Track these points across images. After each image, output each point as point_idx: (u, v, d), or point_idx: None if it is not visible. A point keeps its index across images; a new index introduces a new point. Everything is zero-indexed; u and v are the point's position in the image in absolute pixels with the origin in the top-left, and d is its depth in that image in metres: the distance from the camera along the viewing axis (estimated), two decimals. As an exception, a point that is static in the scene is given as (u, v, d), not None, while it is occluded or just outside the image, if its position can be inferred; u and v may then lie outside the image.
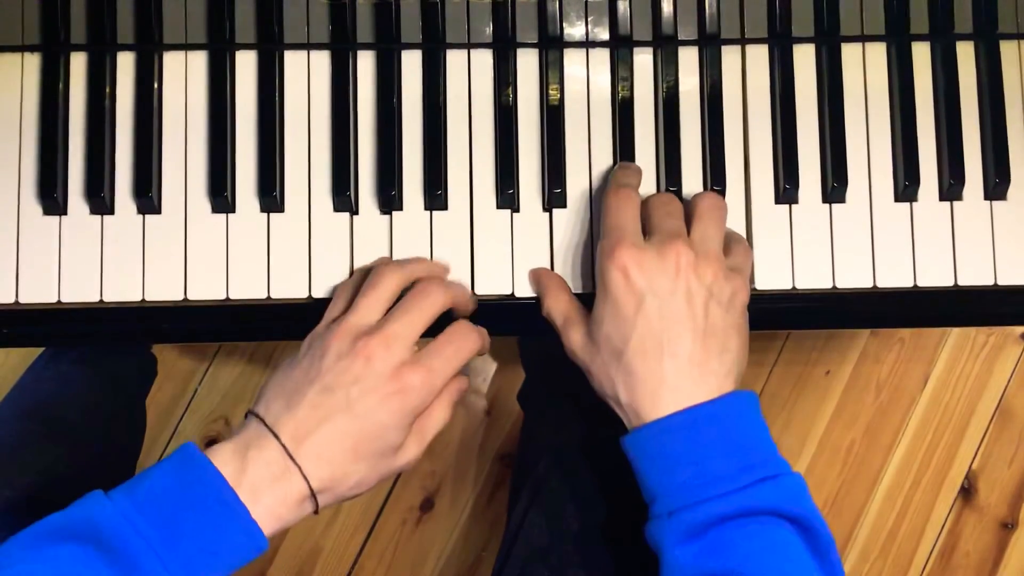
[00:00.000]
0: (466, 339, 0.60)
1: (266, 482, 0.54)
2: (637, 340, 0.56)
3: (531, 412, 0.85)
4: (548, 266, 0.65)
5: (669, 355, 0.56)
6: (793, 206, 0.66)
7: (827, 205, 0.66)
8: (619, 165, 0.65)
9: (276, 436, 0.55)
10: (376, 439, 0.56)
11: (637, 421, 0.57)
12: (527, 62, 0.67)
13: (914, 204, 0.66)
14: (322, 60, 0.66)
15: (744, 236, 0.66)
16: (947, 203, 0.66)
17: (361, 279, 0.61)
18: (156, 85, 0.66)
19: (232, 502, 0.53)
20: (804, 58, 0.67)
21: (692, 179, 0.66)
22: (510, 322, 0.66)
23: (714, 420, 0.55)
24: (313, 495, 0.55)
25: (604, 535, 0.70)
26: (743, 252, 0.62)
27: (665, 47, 0.67)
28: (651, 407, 0.56)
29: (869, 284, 0.66)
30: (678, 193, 0.65)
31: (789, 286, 0.65)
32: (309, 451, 0.55)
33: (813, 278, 0.65)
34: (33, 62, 0.66)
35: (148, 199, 0.65)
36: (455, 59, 0.67)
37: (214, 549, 0.52)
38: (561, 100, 0.66)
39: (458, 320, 0.61)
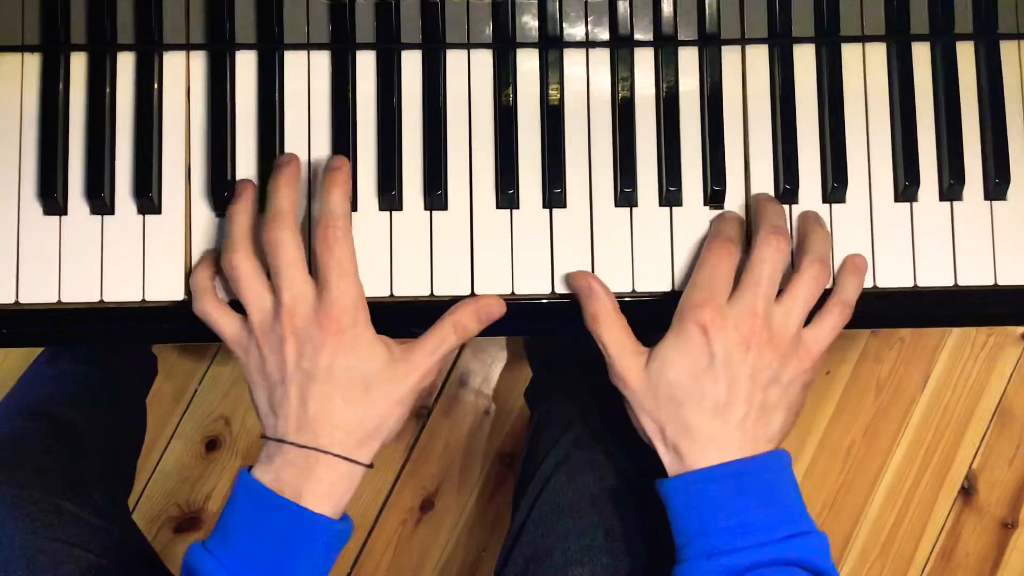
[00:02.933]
0: (333, 232, 0.59)
1: (302, 477, 0.58)
2: (698, 396, 0.59)
3: (538, 411, 0.85)
4: (548, 267, 0.65)
5: (722, 418, 0.59)
6: (793, 206, 0.66)
7: (827, 205, 0.66)
8: (720, 215, 0.65)
9: (283, 440, 0.58)
10: (358, 377, 0.59)
11: (679, 466, 0.60)
12: (527, 62, 0.67)
13: (914, 204, 0.66)
14: (322, 60, 0.66)
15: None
16: (947, 203, 0.66)
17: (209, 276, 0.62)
18: (156, 85, 0.66)
19: (283, 505, 0.57)
20: (804, 58, 0.67)
21: (692, 179, 0.66)
22: (510, 322, 0.66)
23: (756, 475, 0.59)
24: (348, 458, 0.59)
25: (609, 535, 0.70)
26: (832, 322, 0.61)
27: (665, 47, 0.67)
28: (696, 457, 0.59)
29: (869, 284, 0.66)
30: (677, 193, 0.65)
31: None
32: (316, 431, 0.58)
33: (813, 278, 0.65)
34: (33, 62, 0.66)
35: (148, 199, 0.65)
36: (455, 59, 0.67)
37: (296, 554, 0.57)
38: (561, 100, 0.66)
39: (316, 224, 0.60)
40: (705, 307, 0.59)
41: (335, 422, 0.59)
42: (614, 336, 0.62)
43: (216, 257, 0.63)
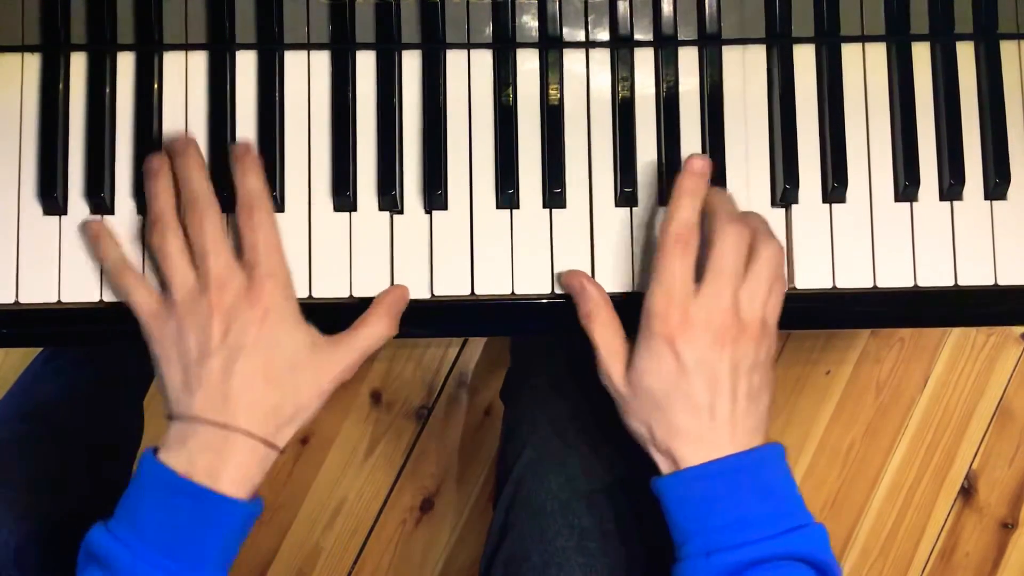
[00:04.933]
0: (258, 213, 0.60)
1: (218, 460, 0.57)
2: (681, 400, 0.59)
3: (509, 411, 0.85)
4: (549, 267, 0.65)
5: (710, 416, 0.59)
6: (793, 206, 0.66)
7: (827, 205, 0.66)
8: (673, 197, 0.61)
9: (198, 418, 0.57)
10: (280, 358, 0.59)
11: (672, 466, 0.59)
12: (527, 62, 0.67)
13: (914, 204, 0.66)
14: (322, 60, 0.66)
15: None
16: (947, 203, 0.66)
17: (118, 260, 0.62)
18: (156, 85, 0.66)
19: (197, 492, 0.56)
20: (804, 58, 0.67)
21: (692, 179, 0.66)
22: (510, 322, 0.66)
23: (750, 470, 0.58)
24: (267, 441, 0.58)
25: (583, 535, 0.70)
26: (777, 296, 0.61)
27: (665, 47, 0.67)
28: (688, 455, 0.59)
29: (869, 284, 0.66)
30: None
31: (789, 286, 0.65)
32: (234, 409, 0.57)
33: (813, 278, 0.65)
34: (33, 62, 0.66)
35: (148, 199, 0.65)
36: (455, 59, 0.67)
37: (210, 539, 0.56)
38: (561, 100, 0.66)
39: (239, 207, 0.61)
40: (668, 315, 0.58)
41: (255, 401, 0.58)
42: (605, 336, 0.62)
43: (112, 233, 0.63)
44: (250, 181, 0.61)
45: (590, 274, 0.65)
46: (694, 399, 0.58)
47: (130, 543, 0.56)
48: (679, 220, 0.60)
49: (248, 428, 0.58)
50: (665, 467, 0.60)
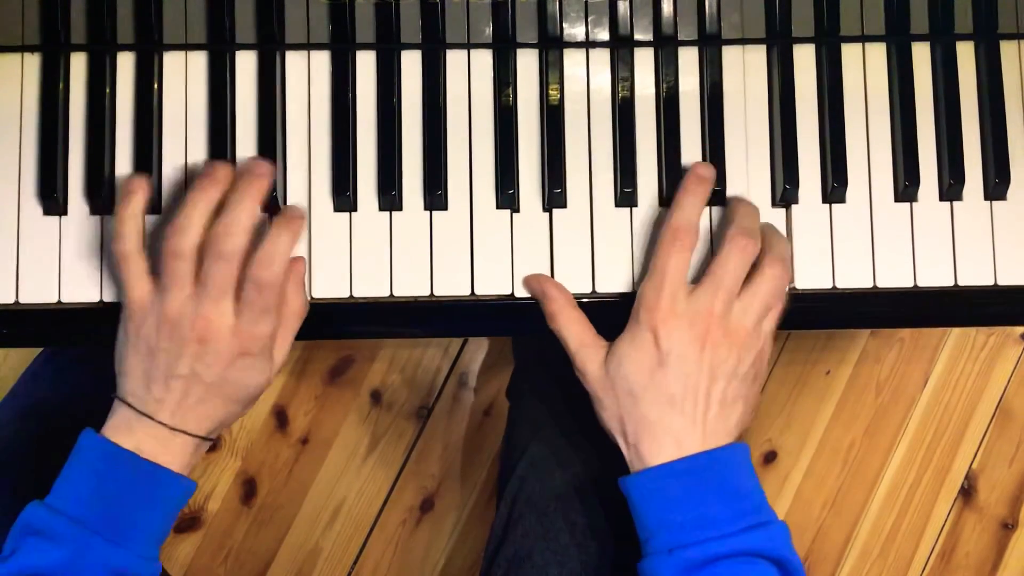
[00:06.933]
0: (269, 267, 0.59)
1: (161, 448, 0.61)
2: (654, 392, 0.60)
3: (515, 406, 0.85)
4: (548, 267, 0.65)
5: (679, 411, 0.60)
6: (793, 206, 0.66)
7: (827, 205, 0.66)
8: (676, 200, 0.62)
9: (151, 417, 0.60)
10: (243, 391, 0.62)
11: (640, 463, 0.61)
12: (527, 62, 0.67)
13: (914, 204, 0.66)
14: (322, 60, 0.66)
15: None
16: (947, 203, 0.66)
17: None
18: (156, 85, 0.66)
19: (146, 466, 0.60)
20: (804, 58, 0.67)
21: (692, 179, 0.66)
22: (510, 322, 0.66)
23: (714, 468, 0.60)
24: (206, 438, 0.62)
25: (586, 533, 0.70)
26: (774, 315, 0.62)
27: (665, 47, 0.67)
28: (656, 452, 0.60)
29: (869, 284, 0.66)
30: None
31: (789, 286, 0.65)
32: (186, 419, 0.61)
33: (813, 278, 0.66)
34: (33, 62, 0.66)
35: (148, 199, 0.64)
36: (455, 59, 0.67)
37: (150, 512, 0.60)
38: (561, 100, 0.66)
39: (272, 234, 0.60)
40: (656, 306, 0.60)
41: (206, 417, 0.61)
42: (572, 331, 0.63)
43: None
44: (283, 239, 0.60)
45: (591, 274, 0.65)
46: (666, 391, 0.59)
47: (71, 514, 0.58)
48: (679, 216, 0.62)
49: (196, 432, 0.61)
50: (632, 463, 0.61)
